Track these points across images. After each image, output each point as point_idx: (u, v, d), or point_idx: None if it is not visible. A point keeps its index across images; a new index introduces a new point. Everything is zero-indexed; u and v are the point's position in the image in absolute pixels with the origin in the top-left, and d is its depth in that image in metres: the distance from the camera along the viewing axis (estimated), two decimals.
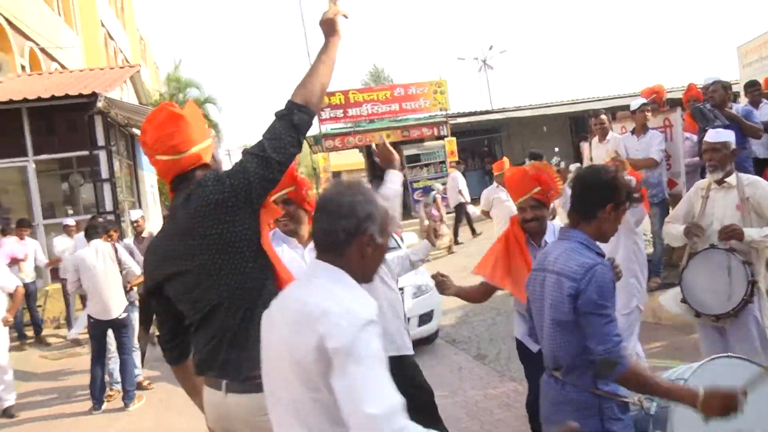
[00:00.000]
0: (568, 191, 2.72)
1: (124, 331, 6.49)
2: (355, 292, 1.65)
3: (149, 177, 15.36)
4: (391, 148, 3.45)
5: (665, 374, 2.47)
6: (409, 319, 5.95)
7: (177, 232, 2.19)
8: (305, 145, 28.65)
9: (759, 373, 2.34)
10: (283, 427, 1.71)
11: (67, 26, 18.21)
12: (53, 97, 10.24)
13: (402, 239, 7.54)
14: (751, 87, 7.32)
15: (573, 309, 2.28)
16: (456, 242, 13.46)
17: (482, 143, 23.44)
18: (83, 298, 7.79)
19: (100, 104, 10.23)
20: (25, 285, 8.88)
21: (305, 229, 3.31)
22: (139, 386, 6.76)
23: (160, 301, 2.32)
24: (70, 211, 11.71)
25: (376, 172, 20.98)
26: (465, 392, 5.42)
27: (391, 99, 19.00)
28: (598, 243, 2.44)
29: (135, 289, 7.03)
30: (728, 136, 3.89)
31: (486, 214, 9.13)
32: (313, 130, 16.13)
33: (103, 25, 21.51)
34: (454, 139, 18.97)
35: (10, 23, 13.64)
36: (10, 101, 10.21)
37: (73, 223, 9.62)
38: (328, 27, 2.40)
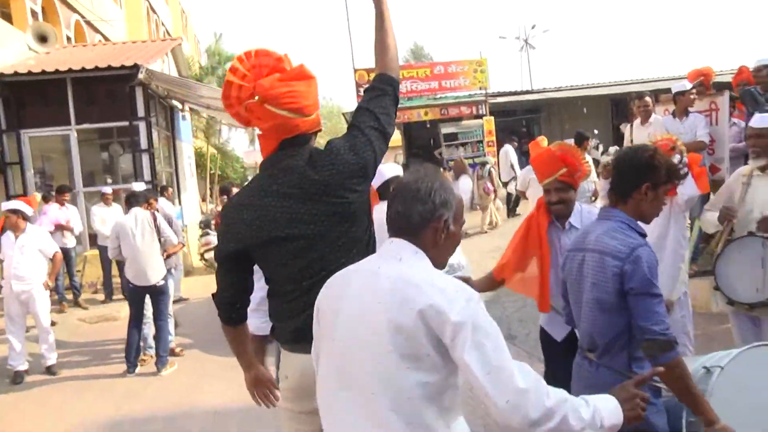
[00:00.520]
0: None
1: (162, 298, 6.65)
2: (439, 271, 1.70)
3: (187, 148, 15.59)
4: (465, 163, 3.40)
5: (701, 360, 2.42)
6: None
7: (296, 196, 2.12)
8: (341, 120, 28.54)
9: None
10: (346, 414, 1.66)
11: (112, 0, 18.46)
12: (96, 68, 10.44)
13: None
14: None
15: (616, 289, 2.25)
16: (514, 212, 13.50)
17: (521, 123, 23.10)
18: (120, 265, 7.97)
19: (141, 76, 10.38)
20: (66, 250, 9.20)
21: None
22: (172, 352, 6.93)
23: (235, 264, 2.23)
24: (109, 180, 11.97)
25: (413, 150, 20.92)
26: None
27: (430, 77, 18.77)
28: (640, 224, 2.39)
29: (173, 256, 7.19)
30: None
31: (523, 194, 9.03)
32: (350, 106, 16.09)
33: None
34: (492, 118, 18.73)
35: None
36: (56, 71, 10.45)
37: (110, 191, 9.83)
38: None
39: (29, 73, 10.42)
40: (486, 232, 12.62)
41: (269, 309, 2.33)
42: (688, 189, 3.89)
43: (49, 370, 6.71)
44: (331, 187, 2.11)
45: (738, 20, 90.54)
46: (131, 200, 6.83)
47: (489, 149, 17.72)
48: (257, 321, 3.20)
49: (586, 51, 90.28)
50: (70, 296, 9.69)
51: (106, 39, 16.39)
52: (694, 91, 6.42)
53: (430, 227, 1.68)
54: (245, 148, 36.31)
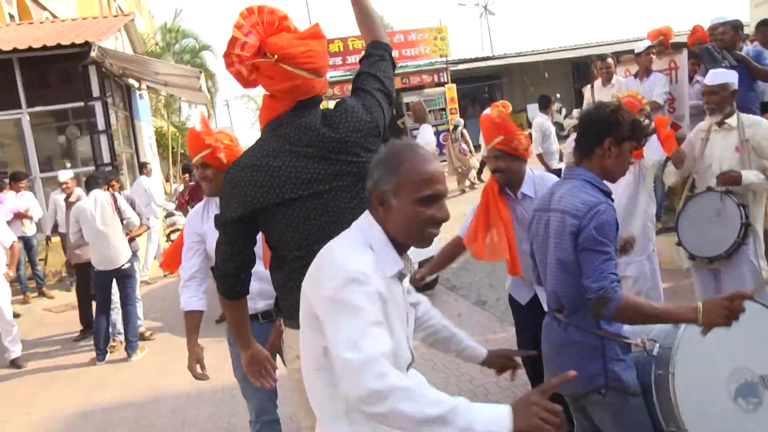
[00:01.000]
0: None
1: (128, 281, 6.52)
2: (361, 249, 1.63)
3: (146, 128, 15.23)
4: (425, 108, 3.42)
5: None
6: None
7: (312, 155, 2.06)
8: None
9: (760, 283, 2.36)
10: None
11: None
12: (45, 47, 10.00)
13: None
14: (763, 26, 7.09)
15: (574, 247, 2.24)
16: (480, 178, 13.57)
17: (483, 90, 23.14)
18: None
19: (93, 54, 10.02)
20: (27, 239, 8.95)
21: None
22: (142, 337, 6.83)
23: (242, 232, 2.14)
24: (68, 164, 11.62)
25: None
26: (459, 367, 5.43)
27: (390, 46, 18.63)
28: (606, 182, 2.38)
29: (136, 240, 7.02)
30: (726, 77, 3.79)
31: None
32: None
33: None
34: (454, 86, 18.72)
35: None
36: (0, 51, 9.99)
37: (68, 177, 9.31)
38: None
39: None
40: (465, 191, 12.72)
41: (273, 282, 2.24)
42: (654, 153, 3.93)
43: (14, 363, 6.52)
44: (349, 145, 2.08)
45: None
46: (90, 182, 6.64)
47: (452, 117, 17.72)
48: (188, 295, 3.17)
49: (546, 16, 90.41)
50: (33, 286, 9.44)
51: (54, 16, 15.76)
52: (653, 50, 6.46)
53: (373, 201, 1.67)
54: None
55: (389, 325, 1.54)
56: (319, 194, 2.06)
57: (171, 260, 3.77)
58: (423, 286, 6.71)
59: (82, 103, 10.59)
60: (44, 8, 15.75)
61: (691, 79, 6.50)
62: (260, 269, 2.43)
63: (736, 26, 6.22)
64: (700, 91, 6.48)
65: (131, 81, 13.34)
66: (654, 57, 6.45)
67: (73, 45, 10.03)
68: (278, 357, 2.76)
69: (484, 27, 70.13)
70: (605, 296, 2.11)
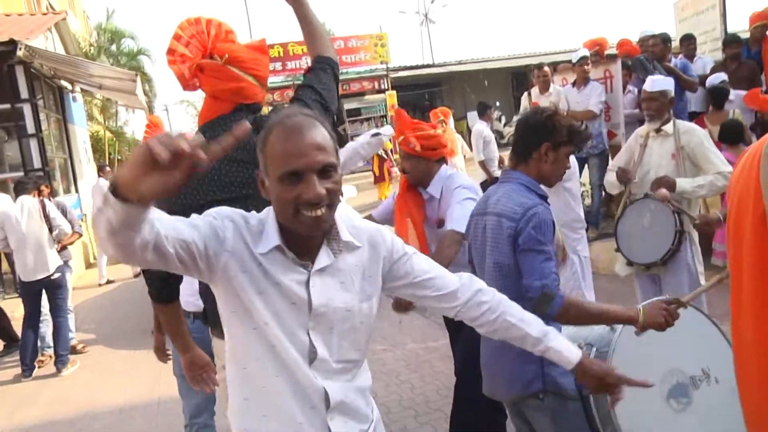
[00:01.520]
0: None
1: (59, 292, 6.23)
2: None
3: (81, 132, 14.68)
4: None
5: None
6: None
7: (240, 159, 2.08)
8: None
9: (702, 289, 2.43)
10: None
11: None
12: None
13: (341, 193, 7.43)
14: (687, 41, 7.45)
15: (512, 250, 2.25)
16: None
17: (423, 97, 23.36)
18: (10, 261, 7.41)
19: (20, 53, 9.54)
20: None
21: None
22: (73, 350, 6.53)
23: None
24: None
25: None
26: (405, 345, 5.43)
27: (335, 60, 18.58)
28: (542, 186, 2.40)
29: (68, 248, 6.72)
30: (666, 84, 3.88)
31: None
32: None
33: None
34: (394, 92, 18.81)
35: None
36: None
37: None
38: None
39: None
40: None
41: (199, 289, 2.23)
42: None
43: None
44: None
45: None
46: (18, 188, 6.35)
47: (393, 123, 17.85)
48: None
49: (486, 25, 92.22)
50: None
51: None
52: (589, 60, 6.66)
53: (258, 182, 1.52)
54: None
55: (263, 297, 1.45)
56: (243, 198, 2.06)
57: None
58: None
59: (8, 105, 10.10)
60: None
61: (623, 88, 6.73)
62: None
63: (665, 39, 6.49)
64: (632, 100, 6.75)
65: (64, 83, 12.82)
66: (589, 66, 6.64)
67: None
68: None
69: (425, 35, 70.74)
70: (549, 293, 2.12)
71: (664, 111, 3.84)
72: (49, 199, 6.78)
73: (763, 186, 1.51)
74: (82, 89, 14.03)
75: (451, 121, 12.57)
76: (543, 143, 2.34)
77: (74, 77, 12.56)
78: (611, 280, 5.60)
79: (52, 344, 6.31)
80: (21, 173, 9.91)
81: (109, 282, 10.08)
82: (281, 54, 18.16)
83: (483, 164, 8.27)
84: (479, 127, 8.45)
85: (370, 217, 3.50)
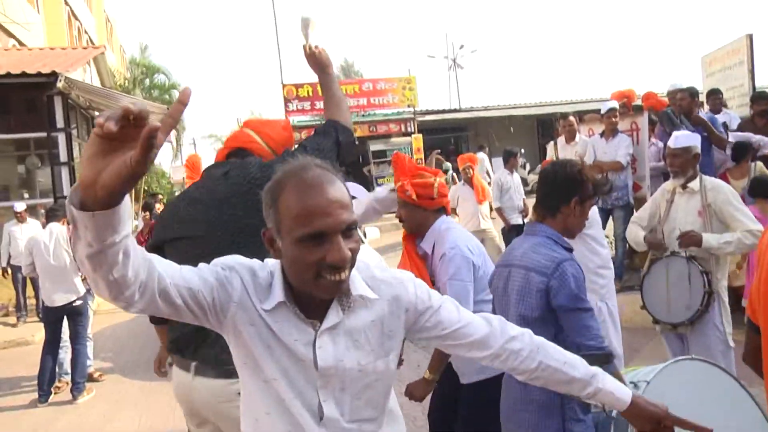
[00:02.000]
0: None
1: (79, 319, 6.26)
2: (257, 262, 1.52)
3: None
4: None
5: (628, 375, 2.45)
6: None
7: (200, 200, 2.28)
8: None
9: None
10: None
11: (27, 2, 17.58)
12: (9, 74, 9.86)
13: (365, 234, 7.43)
14: (713, 95, 7.46)
15: (542, 304, 2.24)
16: None
17: (449, 141, 23.50)
18: (35, 284, 7.52)
19: (60, 84, 9.90)
20: None
21: None
22: (90, 378, 6.54)
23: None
24: (26, 195, 11.32)
25: (341, 166, 20.84)
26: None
27: (359, 93, 18.84)
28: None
29: None
30: (690, 140, 3.82)
31: (453, 211, 9.13)
32: None
33: (66, 4, 20.85)
34: (420, 136, 18.95)
35: None
36: None
37: (22, 209, 9.23)
38: (316, 62, 2.55)
39: None
40: None
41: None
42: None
43: None
44: (229, 198, 2.21)
45: (653, 47, 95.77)
46: (50, 214, 6.49)
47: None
48: None
49: (513, 72, 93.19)
50: None
51: (21, 44, 15.56)
52: (617, 111, 6.67)
53: (264, 241, 1.40)
54: (171, 163, 35.30)
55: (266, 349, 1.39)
56: (199, 237, 2.21)
57: None
58: None
59: (44, 134, 10.40)
60: (11, 35, 15.54)
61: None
62: None
63: (693, 93, 6.49)
64: (656, 152, 6.73)
65: (97, 113, 13.18)
66: (616, 118, 6.66)
67: (39, 74, 9.90)
68: None
69: (453, 79, 71.58)
70: (606, 354, 2.12)
71: (688, 167, 3.77)
72: None
73: None
74: None
75: (480, 167, 12.59)
76: (573, 198, 2.36)
77: (108, 109, 12.91)
78: (633, 333, 5.50)
79: (69, 371, 6.34)
80: (51, 199, 10.14)
81: None
82: (310, 94, 18.47)
83: (500, 211, 8.32)
84: (499, 174, 8.57)
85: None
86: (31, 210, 10.14)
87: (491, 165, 14.77)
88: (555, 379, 1.59)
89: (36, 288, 8.06)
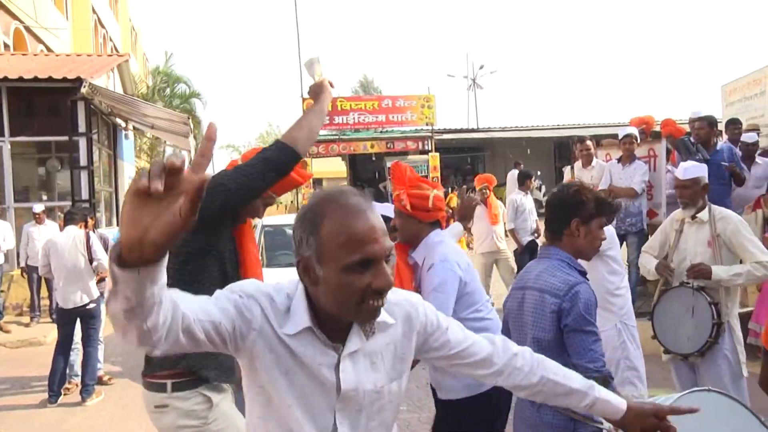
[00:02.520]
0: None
1: (92, 322, 6.33)
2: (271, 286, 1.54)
3: (128, 168, 15.15)
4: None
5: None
6: None
7: None
8: None
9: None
10: None
11: (57, 9, 17.96)
12: (36, 79, 10.05)
13: None
14: (732, 124, 7.45)
15: (555, 326, 2.25)
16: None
17: (465, 161, 23.54)
18: (49, 285, 7.60)
19: (83, 90, 10.07)
20: None
21: None
22: (100, 381, 6.59)
23: None
24: (44, 197, 11.48)
25: (357, 182, 20.94)
26: (431, 409, 5.31)
27: (378, 110, 18.95)
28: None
29: (106, 280, 6.87)
30: (698, 171, 3.80)
31: (468, 230, 9.13)
32: None
33: (94, 12, 21.27)
34: (437, 154, 19.00)
35: None
36: None
37: (41, 210, 9.41)
38: (318, 89, 2.58)
39: None
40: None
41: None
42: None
43: None
44: None
45: (673, 74, 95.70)
46: (68, 217, 6.58)
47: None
48: None
49: (532, 94, 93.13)
50: None
51: (49, 49, 15.87)
52: (635, 137, 6.67)
53: (298, 270, 1.39)
54: None
55: (292, 381, 1.40)
56: (174, 255, 2.25)
57: None
58: None
59: (66, 138, 10.56)
60: (40, 41, 15.86)
61: None
62: None
63: (712, 122, 6.49)
64: (671, 180, 6.71)
65: (118, 120, 13.37)
66: (634, 145, 6.65)
67: (64, 79, 10.08)
68: None
69: (471, 99, 71.85)
70: (605, 377, 2.11)
71: (697, 198, 3.75)
72: (94, 231, 6.98)
73: None
74: (134, 127, 14.60)
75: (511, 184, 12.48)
76: (572, 220, 2.37)
77: (129, 115, 13.11)
78: (645, 360, 5.45)
79: (79, 373, 6.39)
80: (69, 202, 10.28)
81: None
82: (329, 108, 18.58)
83: (513, 232, 8.34)
84: (513, 196, 8.59)
85: None
86: (49, 212, 10.28)
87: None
88: (555, 392, 1.65)
89: (50, 289, 8.15)
